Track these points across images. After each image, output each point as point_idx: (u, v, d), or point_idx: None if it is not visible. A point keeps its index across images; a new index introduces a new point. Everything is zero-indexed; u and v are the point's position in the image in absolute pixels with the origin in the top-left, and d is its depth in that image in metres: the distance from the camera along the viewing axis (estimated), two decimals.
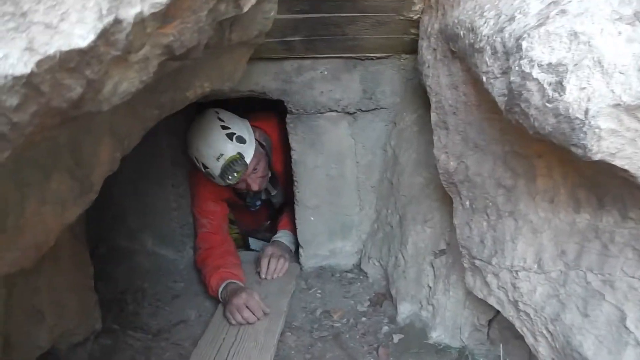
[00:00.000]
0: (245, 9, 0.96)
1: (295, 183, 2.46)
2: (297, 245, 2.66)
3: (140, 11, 0.60)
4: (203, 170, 2.36)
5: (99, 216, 2.60)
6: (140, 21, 0.61)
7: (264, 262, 2.55)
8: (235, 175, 2.31)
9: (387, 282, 2.28)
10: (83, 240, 1.93)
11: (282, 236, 2.78)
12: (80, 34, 0.55)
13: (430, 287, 1.95)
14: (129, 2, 0.58)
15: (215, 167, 2.30)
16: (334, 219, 2.51)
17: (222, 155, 2.27)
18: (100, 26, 0.55)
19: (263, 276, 2.53)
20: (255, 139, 2.45)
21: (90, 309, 1.93)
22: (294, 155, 2.41)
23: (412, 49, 2.03)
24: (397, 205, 2.23)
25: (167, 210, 2.70)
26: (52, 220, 1.15)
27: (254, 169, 2.41)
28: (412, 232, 2.08)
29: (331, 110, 2.34)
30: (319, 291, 2.46)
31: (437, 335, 1.87)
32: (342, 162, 2.43)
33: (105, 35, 0.57)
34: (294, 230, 2.67)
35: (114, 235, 2.71)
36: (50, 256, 1.61)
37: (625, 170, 0.87)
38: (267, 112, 2.73)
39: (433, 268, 1.96)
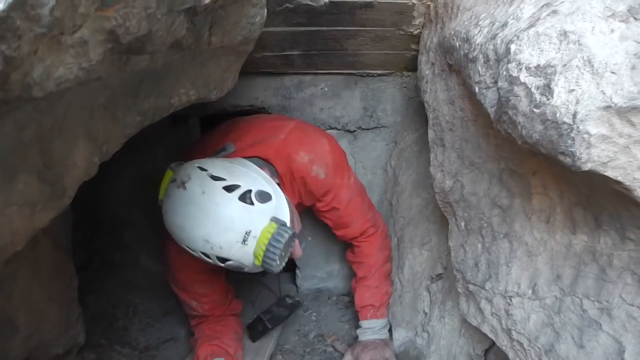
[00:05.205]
0: (206, 0, 0.91)
1: None
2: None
3: None
4: (221, 264, 1.51)
5: (93, 229, 2.56)
6: None
7: None
8: (283, 254, 1.49)
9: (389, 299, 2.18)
10: (68, 251, 1.87)
11: (371, 328, 2.03)
12: None
13: (426, 313, 1.85)
14: None
15: (244, 255, 1.47)
16: (332, 240, 2.43)
17: (248, 233, 1.45)
18: None
19: None
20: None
21: (72, 321, 1.86)
22: None
23: (414, 66, 1.97)
24: (396, 227, 2.15)
25: (163, 225, 2.65)
26: (19, 223, 1.10)
27: None
28: (409, 255, 1.99)
29: (331, 128, 2.29)
30: (314, 314, 2.39)
31: None
32: None
33: (22, 7, 0.51)
34: (382, 311, 2.05)
35: (107, 249, 2.65)
36: (28, 264, 1.56)
37: (619, 182, 0.78)
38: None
39: (429, 293, 1.87)
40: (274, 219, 1.48)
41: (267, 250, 1.44)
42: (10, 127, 0.85)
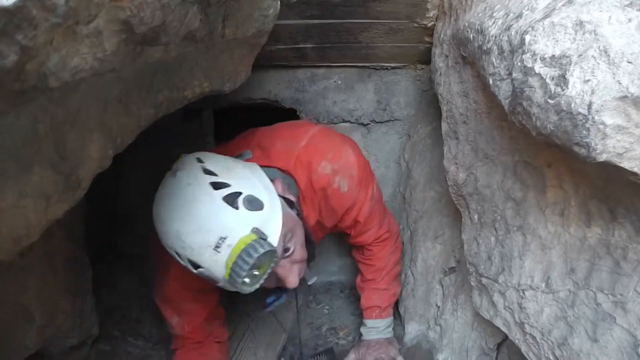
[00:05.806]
0: None
1: None
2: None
3: None
4: (193, 270, 1.32)
5: (108, 222, 2.58)
6: None
7: None
8: (257, 274, 1.29)
9: (396, 300, 2.19)
10: (82, 244, 1.89)
11: (376, 328, 1.99)
12: None
13: (439, 307, 1.85)
14: None
15: (215, 264, 1.27)
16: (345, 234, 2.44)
17: (223, 239, 1.25)
18: None
19: None
20: (279, 195, 1.47)
21: (86, 313, 1.88)
22: None
23: (428, 58, 1.96)
24: (409, 220, 2.14)
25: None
26: (34, 215, 1.11)
27: (286, 250, 1.42)
28: (422, 248, 1.99)
29: (344, 121, 2.29)
30: (327, 307, 2.40)
31: (443, 357, 1.76)
32: None
33: None
34: (388, 311, 2.01)
35: (122, 242, 2.68)
36: (43, 255, 1.58)
37: (635, 174, 0.78)
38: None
39: (442, 286, 1.86)
40: (255, 230, 1.28)
41: (235, 262, 1.22)
42: (25, 119, 0.86)
